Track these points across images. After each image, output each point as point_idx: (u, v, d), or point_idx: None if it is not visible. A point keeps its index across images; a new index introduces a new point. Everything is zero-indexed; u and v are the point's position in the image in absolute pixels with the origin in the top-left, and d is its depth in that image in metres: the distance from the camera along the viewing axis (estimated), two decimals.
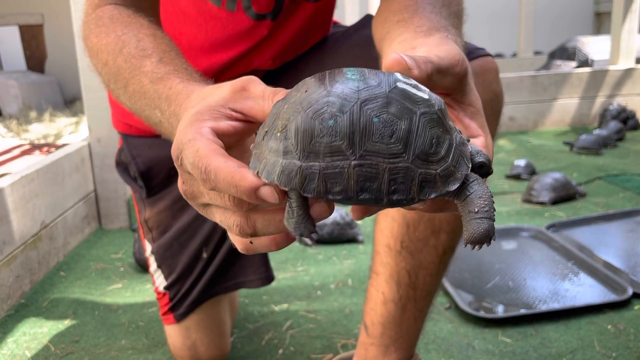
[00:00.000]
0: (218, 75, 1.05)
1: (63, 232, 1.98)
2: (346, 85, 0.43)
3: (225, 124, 0.50)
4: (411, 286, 0.97)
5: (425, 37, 0.61)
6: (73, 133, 4.33)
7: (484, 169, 0.48)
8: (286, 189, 0.43)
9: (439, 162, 0.44)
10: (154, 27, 0.75)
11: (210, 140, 0.47)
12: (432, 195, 0.44)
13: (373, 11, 4.09)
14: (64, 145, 3.73)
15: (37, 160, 1.98)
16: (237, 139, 0.52)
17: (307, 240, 2.02)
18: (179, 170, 0.51)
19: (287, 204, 0.44)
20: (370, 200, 0.43)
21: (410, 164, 0.43)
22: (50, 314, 1.61)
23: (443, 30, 0.63)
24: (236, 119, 0.51)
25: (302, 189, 0.43)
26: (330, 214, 0.46)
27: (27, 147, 3.86)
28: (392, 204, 0.43)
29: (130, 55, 0.70)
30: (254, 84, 0.51)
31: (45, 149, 3.76)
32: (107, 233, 2.25)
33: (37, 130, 4.47)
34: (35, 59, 6.14)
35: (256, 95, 0.50)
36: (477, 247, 0.46)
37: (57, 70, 6.02)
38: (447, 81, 0.52)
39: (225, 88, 0.52)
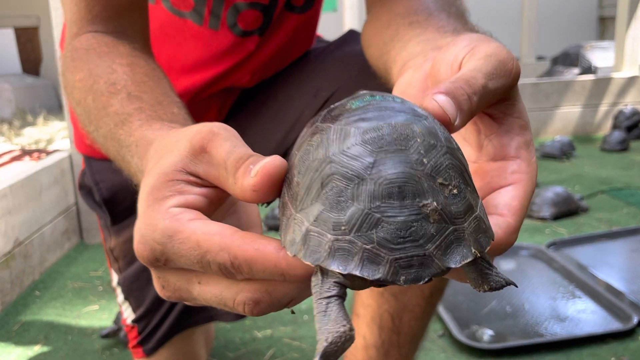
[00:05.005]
0: (197, 95, 0.98)
1: (39, 249, 1.89)
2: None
3: (194, 198, 0.40)
4: (394, 330, 0.88)
5: (454, 35, 0.53)
6: (65, 138, 4.25)
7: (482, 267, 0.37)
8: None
9: None
10: (135, 54, 0.66)
11: (202, 222, 0.38)
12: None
13: None
14: (55, 151, 3.65)
15: (12, 174, 1.90)
16: (215, 208, 0.43)
17: None
18: (155, 274, 0.41)
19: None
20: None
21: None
22: (20, 339, 1.53)
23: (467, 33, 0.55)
24: (202, 185, 0.41)
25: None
26: None
27: (17, 152, 3.78)
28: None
29: (99, 92, 0.61)
30: (215, 143, 0.40)
31: (35, 154, 3.68)
32: (89, 248, 2.17)
33: (30, 135, 4.40)
34: (31, 62, 6.07)
35: (218, 161, 0.40)
36: None
37: (53, 74, 5.94)
38: (497, 93, 0.41)
39: (182, 146, 0.41)
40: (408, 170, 0.33)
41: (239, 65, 0.96)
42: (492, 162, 0.42)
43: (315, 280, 0.35)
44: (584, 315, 1.53)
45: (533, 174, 0.42)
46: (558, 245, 1.95)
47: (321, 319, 0.34)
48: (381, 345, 0.89)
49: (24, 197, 1.80)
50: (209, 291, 0.39)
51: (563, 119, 3.84)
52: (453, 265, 0.33)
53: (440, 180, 0.34)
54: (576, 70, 4.45)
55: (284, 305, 0.38)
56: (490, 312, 1.58)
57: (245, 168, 0.37)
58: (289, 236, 0.35)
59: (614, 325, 1.47)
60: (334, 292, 0.34)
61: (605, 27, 6.96)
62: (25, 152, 3.78)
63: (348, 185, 0.33)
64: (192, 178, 0.41)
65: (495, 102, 0.42)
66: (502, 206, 0.40)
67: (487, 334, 1.46)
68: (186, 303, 0.42)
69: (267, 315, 1.57)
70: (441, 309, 1.54)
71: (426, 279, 0.33)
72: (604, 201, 2.47)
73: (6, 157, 3.65)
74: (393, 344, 0.89)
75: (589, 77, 3.90)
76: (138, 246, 0.39)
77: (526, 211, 0.41)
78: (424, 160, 0.33)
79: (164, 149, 0.44)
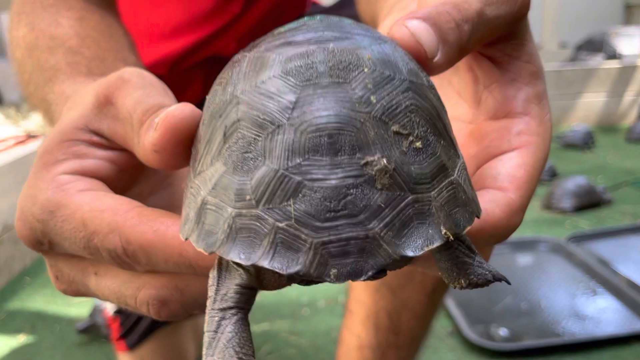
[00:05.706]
0: (177, 63, 0.90)
1: None
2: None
3: (94, 163, 0.31)
4: (392, 330, 0.79)
5: None
6: None
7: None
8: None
9: None
10: (90, 8, 0.57)
11: (94, 195, 0.29)
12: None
13: None
14: None
15: (1, 157, 1.82)
16: (129, 178, 0.34)
17: None
18: (47, 261, 0.33)
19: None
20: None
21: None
22: (5, 328, 1.46)
23: None
24: (108, 147, 0.32)
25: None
26: None
27: (22, 137, 3.73)
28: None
29: (39, 49, 0.53)
30: (122, 92, 0.32)
31: (40, 139, 3.63)
32: None
33: (37, 119, 4.36)
34: None
35: (124, 115, 0.31)
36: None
37: None
38: (498, 24, 0.30)
39: (87, 99, 0.33)
40: (346, 112, 0.22)
41: (223, 30, 0.88)
42: (492, 121, 0.32)
43: (212, 280, 0.25)
44: (606, 315, 1.44)
45: (545, 135, 0.31)
46: (579, 239, 1.85)
47: (209, 343, 0.24)
48: (377, 346, 0.80)
49: (12, 180, 1.73)
50: (107, 286, 0.29)
51: (586, 107, 3.70)
52: (411, 254, 0.22)
53: (395, 127, 0.23)
54: (600, 57, 4.29)
55: (206, 306, 0.28)
56: (504, 309, 1.48)
57: (151, 122, 0.28)
58: (184, 212, 0.25)
59: (638, 325, 1.38)
60: (231, 303, 0.24)
61: (631, 14, 6.75)
62: (30, 137, 3.73)
63: (259, 135, 0.23)
64: (95, 138, 0.31)
65: (497, 40, 0.31)
66: (503, 177, 0.29)
67: (500, 332, 1.36)
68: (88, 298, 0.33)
69: (265, 308, 1.49)
70: (450, 305, 1.45)
71: (370, 273, 0.22)
72: (628, 193, 2.35)
73: (10, 142, 3.61)
74: (390, 345, 0.80)
75: (614, 64, 3.74)
76: (17, 223, 0.30)
77: (536, 184, 0.30)
78: (372, 98, 0.23)
79: (72, 105, 0.34)
